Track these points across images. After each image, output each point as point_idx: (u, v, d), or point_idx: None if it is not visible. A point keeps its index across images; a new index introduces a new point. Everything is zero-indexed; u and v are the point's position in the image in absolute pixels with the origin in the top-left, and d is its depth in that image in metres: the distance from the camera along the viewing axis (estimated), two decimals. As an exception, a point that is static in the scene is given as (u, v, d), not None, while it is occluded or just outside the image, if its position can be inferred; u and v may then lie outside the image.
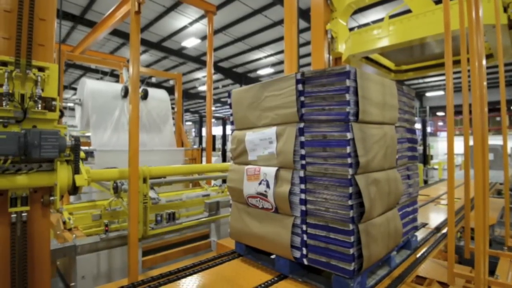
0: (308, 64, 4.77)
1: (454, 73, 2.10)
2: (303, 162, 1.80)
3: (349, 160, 1.61)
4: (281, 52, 14.13)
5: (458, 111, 2.30)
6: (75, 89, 18.83)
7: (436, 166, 13.38)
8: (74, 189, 2.24)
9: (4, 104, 1.96)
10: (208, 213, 3.96)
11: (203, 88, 21.68)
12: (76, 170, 2.24)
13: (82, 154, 2.42)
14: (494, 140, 6.89)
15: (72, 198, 4.87)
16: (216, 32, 11.70)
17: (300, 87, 1.82)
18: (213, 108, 8.06)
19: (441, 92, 22.55)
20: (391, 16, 3.34)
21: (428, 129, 16.15)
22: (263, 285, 1.80)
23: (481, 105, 1.93)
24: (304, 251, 1.79)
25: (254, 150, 2.09)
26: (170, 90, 7.78)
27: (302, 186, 1.80)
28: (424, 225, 3.09)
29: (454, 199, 1.97)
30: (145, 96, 5.84)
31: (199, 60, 15.24)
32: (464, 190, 2.23)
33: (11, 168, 2.01)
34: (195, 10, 10.15)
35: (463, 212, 2.85)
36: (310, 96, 1.78)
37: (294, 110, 1.84)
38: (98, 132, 5.18)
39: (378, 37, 3.41)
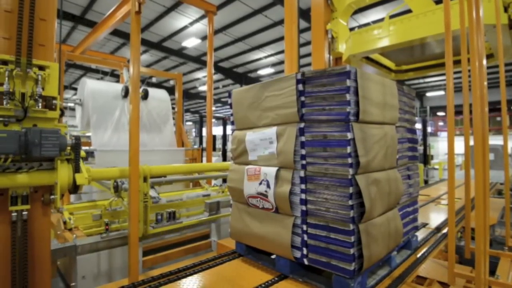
0: (309, 64, 4.76)
1: (455, 73, 2.10)
2: (304, 162, 1.80)
3: (349, 160, 1.61)
4: (282, 52, 14.11)
5: (458, 111, 2.30)
6: (75, 89, 18.83)
7: (436, 166, 13.37)
8: (74, 188, 2.24)
9: (4, 102, 1.96)
10: (208, 213, 3.96)
11: (203, 88, 21.69)
12: (77, 169, 2.25)
13: (82, 153, 2.43)
14: (495, 140, 6.87)
15: (72, 198, 4.88)
16: (217, 32, 11.70)
17: (300, 87, 1.82)
18: (213, 108, 8.06)
19: (441, 92, 22.53)
20: (392, 16, 3.34)
21: (429, 129, 16.14)
22: (263, 285, 1.80)
23: (482, 105, 1.93)
24: (305, 251, 1.79)
25: (255, 150, 2.09)
26: (171, 90, 7.77)
27: (303, 186, 1.79)
28: (424, 225, 3.09)
29: (454, 199, 1.97)
30: (145, 96, 5.83)
31: (199, 60, 15.25)
32: (464, 190, 2.23)
33: (12, 167, 2.01)
34: (195, 10, 10.16)
35: (463, 212, 2.85)
36: (311, 96, 1.78)
37: (294, 110, 1.83)
38: (98, 132, 5.18)
39: (379, 37, 3.41)
